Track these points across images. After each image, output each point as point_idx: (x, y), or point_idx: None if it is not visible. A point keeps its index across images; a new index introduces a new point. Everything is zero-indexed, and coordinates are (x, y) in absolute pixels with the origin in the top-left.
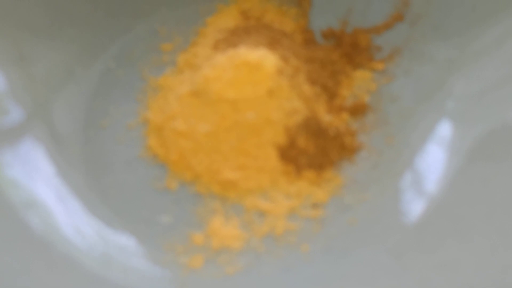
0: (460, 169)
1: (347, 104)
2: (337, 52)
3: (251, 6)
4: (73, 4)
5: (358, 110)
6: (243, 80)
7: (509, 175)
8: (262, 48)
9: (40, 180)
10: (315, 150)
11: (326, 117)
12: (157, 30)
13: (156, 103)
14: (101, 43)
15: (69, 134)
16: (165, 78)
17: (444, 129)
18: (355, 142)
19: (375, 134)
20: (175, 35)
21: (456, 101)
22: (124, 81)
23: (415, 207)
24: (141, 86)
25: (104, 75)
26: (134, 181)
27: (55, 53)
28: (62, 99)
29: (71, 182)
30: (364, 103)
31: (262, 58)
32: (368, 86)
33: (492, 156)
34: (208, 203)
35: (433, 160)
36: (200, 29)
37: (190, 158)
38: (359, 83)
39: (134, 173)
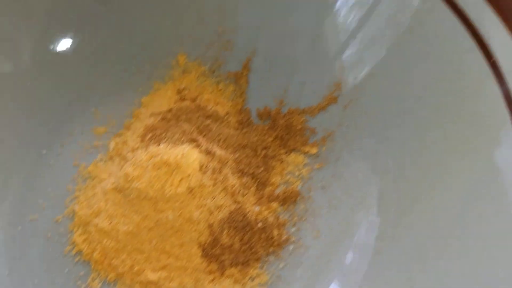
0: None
1: (278, 193)
2: (271, 135)
3: (188, 84)
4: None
5: (289, 199)
6: (163, 179)
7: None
8: (185, 143)
9: None
10: (240, 245)
11: (253, 209)
12: (92, 113)
13: (84, 195)
14: (33, 128)
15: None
16: (95, 166)
17: (367, 227)
18: (283, 235)
19: (304, 226)
20: (110, 118)
21: (380, 199)
22: (56, 169)
23: None
24: (72, 174)
25: (35, 164)
26: (59, 281)
27: None
28: None
29: None
30: (296, 190)
31: (183, 157)
32: (300, 172)
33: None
34: None
35: (358, 261)
36: (134, 111)
37: (113, 257)
38: (292, 169)
39: (60, 271)
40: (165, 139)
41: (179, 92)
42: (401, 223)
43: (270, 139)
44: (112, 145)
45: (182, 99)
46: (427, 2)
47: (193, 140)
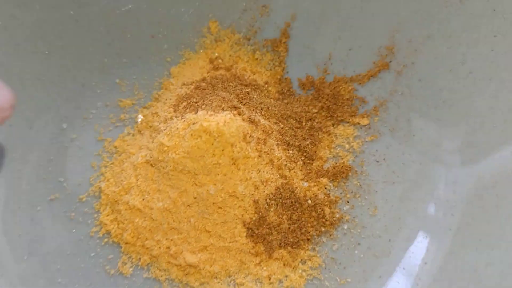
0: (446, 256)
1: (327, 167)
2: (316, 105)
3: (221, 53)
4: (25, 60)
5: (340, 174)
6: (203, 149)
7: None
8: (225, 111)
9: None
10: (289, 225)
11: (301, 185)
12: (117, 84)
13: (111, 171)
14: (52, 101)
15: (15, 210)
16: (122, 140)
17: (433, 202)
18: (335, 213)
19: (358, 203)
20: (136, 89)
21: (446, 167)
22: (78, 144)
23: None
24: (97, 150)
25: (55, 139)
26: (85, 265)
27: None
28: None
29: (14, 266)
30: (347, 165)
31: (225, 124)
32: (351, 145)
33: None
34: None
35: (421, 242)
36: (164, 82)
37: (146, 238)
38: (341, 141)
39: (84, 255)
40: (203, 107)
41: (211, 61)
42: (476, 198)
43: (315, 110)
44: (140, 117)
45: (216, 68)
46: None
47: (234, 107)
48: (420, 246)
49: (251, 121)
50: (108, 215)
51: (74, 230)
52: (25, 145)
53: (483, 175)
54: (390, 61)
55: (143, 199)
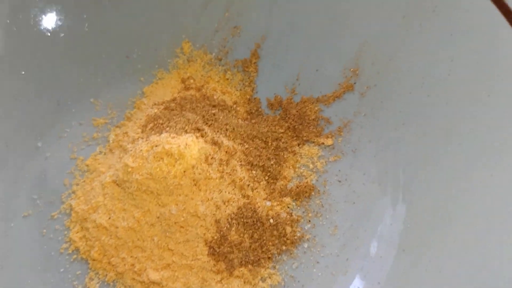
0: (399, 276)
1: (290, 187)
2: (283, 125)
3: (194, 73)
4: (2, 79)
5: (303, 194)
6: (166, 171)
7: None
8: (189, 133)
9: None
10: (250, 243)
11: (264, 204)
12: (91, 103)
13: (82, 190)
14: (28, 119)
15: None
16: (94, 159)
17: (389, 222)
18: (296, 232)
19: (319, 222)
20: (110, 109)
21: (404, 191)
22: (52, 162)
23: None
24: (69, 168)
25: (30, 157)
26: (54, 280)
27: None
28: None
29: None
30: (310, 184)
31: (187, 146)
32: (315, 165)
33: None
34: None
35: (375, 262)
36: (136, 101)
37: (112, 255)
38: (305, 161)
39: (54, 270)
40: (168, 129)
41: (183, 81)
42: (429, 217)
43: (282, 130)
44: (112, 136)
45: (187, 88)
46: None
47: (198, 130)
48: (374, 266)
49: (214, 143)
50: (77, 232)
51: (45, 246)
52: (1, 162)
53: (437, 188)
54: (355, 83)
55: (109, 218)
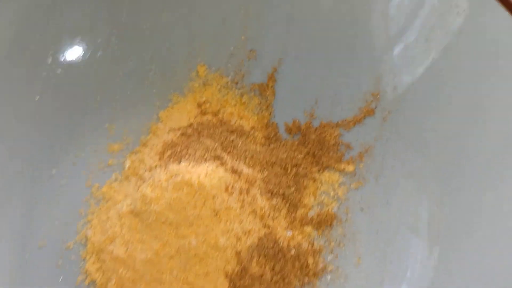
0: None
1: (311, 215)
2: (302, 151)
3: (209, 97)
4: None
5: (324, 222)
6: (185, 201)
7: None
8: (209, 161)
9: None
10: (272, 275)
11: (285, 234)
12: (106, 129)
13: (97, 219)
14: (43, 146)
15: (4, 257)
16: (109, 187)
17: (416, 251)
18: (319, 263)
19: (342, 252)
20: (125, 134)
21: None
22: (66, 190)
23: None
24: (84, 196)
25: (44, 185)
26: None
27: None
28: None
29: None
30: (332, 213)
31: (207, 176)
32: (336, 192)
33: None
34: None
35: None
36: (152, 126)
37: None
38: (326, 188)
39: None
40: (186, 156)
41: (199, 105)
42: (459, 244)
43: (301, 155)
44: (127, 163)
45: (203, 113)
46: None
47: (217, 158)
48: None
49: (234, 171)
50: (93, 263)
51: (61, 278)
52: (15, 192)
53: (464, 215)
54: (376, 107)
55: (127, 249)
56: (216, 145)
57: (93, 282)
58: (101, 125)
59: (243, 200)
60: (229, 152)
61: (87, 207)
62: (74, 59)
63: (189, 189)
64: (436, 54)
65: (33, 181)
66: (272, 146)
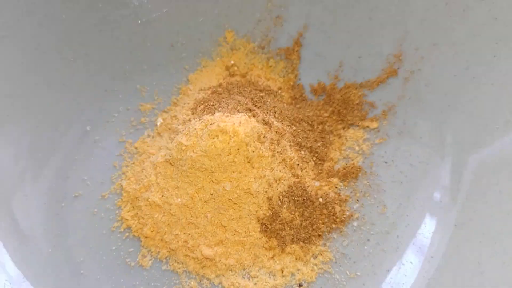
0: (451, 250)
1: (337, 168)
2: (327, 110)
3: (237, 61)
4: (52, 66)
5: (350, 175)
6: (220, 148)
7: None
8: (241, 113)
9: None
10: (301, 221)
11: (313, 184)
12: (138, 89)
13: (132, 171)
14: (77, 105)
15: (40, 206)
16: (142, 142)
17: (439, 199)
18: (345, 211)
19: (367, 202)
20: (156, 95)
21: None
22: (100, 146)
23: None
24: (118, 151)
25: (80, 140)
26: (107, 258)
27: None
28: (31, 168)
29: (39, 258)
30: (357, 166)
31: (240, 125)
32: (360, 147)
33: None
34: (183, 282)
35: (427, 238)
36: (182, 87)
37: (165, 233)
38: (351, 144)
39: (106, 248)
40: (219, 109)
41: (227, 68)
42: (481, 193)
43: (326, 114)
44: (159, 121)
45: (232, 75)
46: None
47: (249, 110)
48: (425, 242)
49: (265, 123)
50: (129, 211)
51: (96, 225)
52: (51, 146)
53: (486, 167)
54: (398, 68)
55: (163, 196)
56: (247, 100)
57: (128, 228)
58: (132, 86)
59: (274, 150)
60: (259, 107)
61: (121, 161)
62: (107, 23)
63: (224, 136)
64: (455, 16)
65: (68, 138)
66: (298, 105)
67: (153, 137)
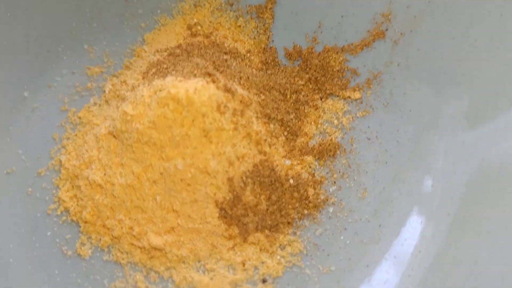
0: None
1: (312, 145)
2: (303, 77)
3: (201, 19)
4: None
5: (326, 152)
6: (171, 119)
7: None
8: (198, 77)
9: None
10: (267, 206)
11: (283, 163)
12: (86, 50)
13: (73, 144)
14: (14, 67)
15: None
16: (87, 111)
17: (430, 184)
18: (320, 194)
19: (346, 184)
20: (106, 56)
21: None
22: (39, 114)
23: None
24: (59, 121)
25: (15, 108)
26: (40, 245)
27: None
28: None
29: None
30: (335, 142)
31: (195, 92)
32: (340, 121)
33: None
34: (127, 275)
35: (415, 228)
36: (136, 49)
37: (107, 217)
38: (329, 117)
39: (40, 234)
40: (173, 73)
41: (189, 27)
42: (474, 177)
43: (302, 81)
44: (108, 87)
45: (194, 35)
46: None
47: (208, 74)
48: (413, 233)
49: (227, 90)
50: (67, 191)
51: (30, 207)
52: None
53: (486, 146)
54: (386, 29)
55: (105, 174)
56: (207, 64)
57: (66, 211)
58: (79, 46)
59: (237, 122)
60: (221, 72)
61: (62, 132)
62: None
63: (175, 105)
64: None
65: (3, 104)
66: (269, 71)
67: (100, 105)
